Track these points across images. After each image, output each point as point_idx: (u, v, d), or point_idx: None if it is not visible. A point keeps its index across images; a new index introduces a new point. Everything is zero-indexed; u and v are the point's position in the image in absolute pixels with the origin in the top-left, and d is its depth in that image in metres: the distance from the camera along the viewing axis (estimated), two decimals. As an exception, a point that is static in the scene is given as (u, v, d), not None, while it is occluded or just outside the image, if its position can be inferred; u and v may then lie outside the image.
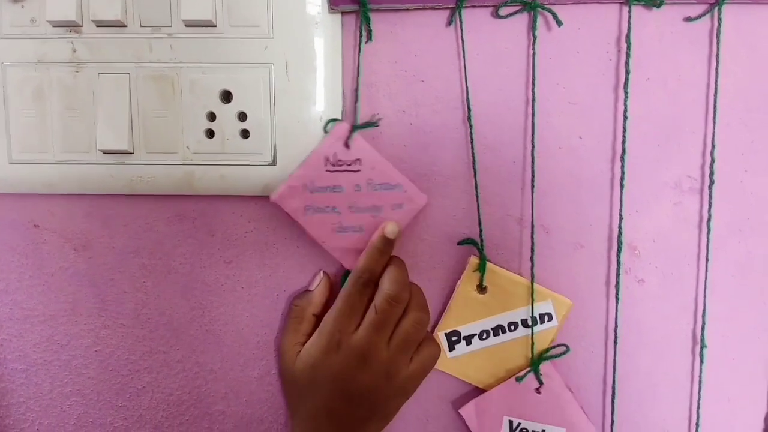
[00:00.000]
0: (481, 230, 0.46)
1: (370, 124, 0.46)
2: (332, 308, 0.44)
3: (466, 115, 0.46)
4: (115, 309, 0.50)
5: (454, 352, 0.47)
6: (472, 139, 0.46)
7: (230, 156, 0.45)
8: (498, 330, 0.47)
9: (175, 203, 0.48)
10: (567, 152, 0.46)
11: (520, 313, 0.47)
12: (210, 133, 0.45)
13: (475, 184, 0.46)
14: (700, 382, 0.47)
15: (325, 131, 0.45)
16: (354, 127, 0.45)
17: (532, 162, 0.46)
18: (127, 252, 0.49)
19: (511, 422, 0.47)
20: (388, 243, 0.44)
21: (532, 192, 0.46)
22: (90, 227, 0.49)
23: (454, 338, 0.47)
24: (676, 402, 0.48)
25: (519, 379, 0.47)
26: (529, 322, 0.46)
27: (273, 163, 0.45)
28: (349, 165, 0.44)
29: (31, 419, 0.51)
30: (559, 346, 0.47)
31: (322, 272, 0.47)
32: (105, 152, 0.46)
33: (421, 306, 0.45)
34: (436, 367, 0.47)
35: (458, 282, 0.47)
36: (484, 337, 0.47)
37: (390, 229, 0.44)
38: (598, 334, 0.48)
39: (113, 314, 0.50)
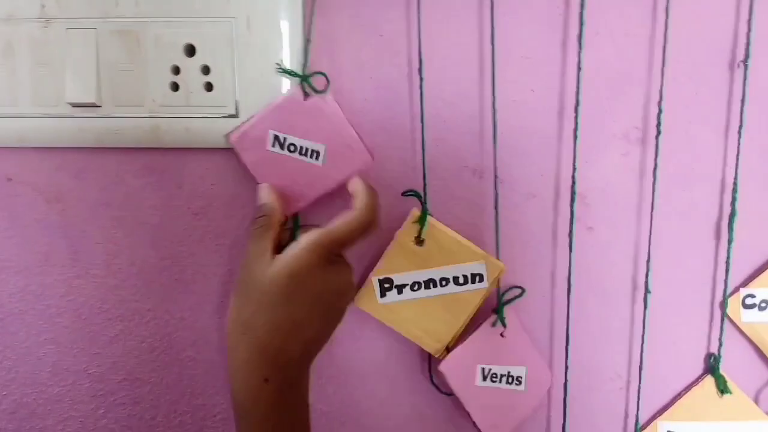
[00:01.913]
0: (425, 183, 0.48)
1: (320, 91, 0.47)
2: (336, 234, 0.43)
3: (418, 68, 0.47)
4: (87, 259, 0.51)
5: (384, 298, 0.49)
6: (421, 92, 0.48)
7: (195, 108, 0.47)
8: (429, 284, 0.48)
9: (144, 156, 0.50)
10: (520, 105, 0.48)
11: (452, 270, 0.48)
12: (175, 87, 0.47)
13: (422, 137, 0.48)
14: (644, 326, 0.50)
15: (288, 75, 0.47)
16: (304, 93, 0.47)
17: (494, 114, 0.48)
18: (98, 204, 0.51)
19: (483, 369, 0.49)
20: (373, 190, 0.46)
21: (494, 144, 0.48)
22: (62, 180, 0.50)
23: (386, 285, 0.49)
24: (623, 345, 0.51)
25: (495, 324, 0.49)
26: (462, 281, 0.48)
27: (236, 115, 0.47)
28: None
29: (8, 367, 0.53)
30: (514, 288, 0.49)
31: (263, 185, 0.47)
32: (74, 105, 0.47)
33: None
34: (367, 310, 0.49)
35: (397, 231, 0.48)
36: (415, 288, 0.49)
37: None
38: (548, 281, 0.50)
39: (85, 264, 0.51)
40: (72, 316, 0.52)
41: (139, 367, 0.52)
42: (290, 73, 0.47)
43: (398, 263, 0.48)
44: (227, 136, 0.47)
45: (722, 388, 0.50)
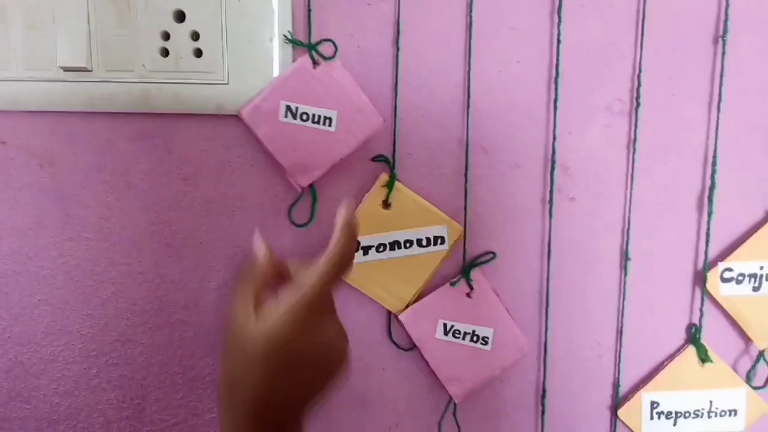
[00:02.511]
0: (395, 149, 0.50)
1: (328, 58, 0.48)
2: (307, 292, 0.39)
3: (396, 37, 0.48)
4: (79, 223, 0.52)
5: None
6: (397, 63, 0.49)
7: (184, 74, 0.48)
8: (394, 245, 0.50)
9: (134, 121, 0.51)
10: (506, 76, 0.49)
11: (416, 233, 0.50)
12: (165, 52, 0.48)
13: (395, 104, 0.49)
14: (624, 294, 0.51)
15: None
16: (312, 61, 0.48)
17: (468, 84, 0.49)
18: (90, 168, 0.52)
19: (445, 324, 0.51)
20: (353, 227, 0.41)
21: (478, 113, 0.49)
22: (54, 144, 0.51)
23: None
24: (604, 313, 0.52)
25: (453, 284, 0.50)
26: (425, 243, 0.50)
27: (225, 81, 0.48)
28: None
29: (2, 327, 0.54)
30: (487, 253, 0.50)
31: (260, 240, 0.43)
32: (65, 69, 0.48)
33: None
34: None
35: (366, 195, 0.50)
36: (380, 249, 0.50)
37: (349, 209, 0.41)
38: (530, 249, 0.51)
39: (78, 228, 0.52)
40: (65, 278, 0.53)
41: (130, 328, 0.54)
42: (297, 43, 0.48)
43: (365, 225, 0.50)
44: (239, 111, 0.48)
45: (703, 357, 0.52)
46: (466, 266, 0.50)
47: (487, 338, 0.51)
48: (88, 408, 0.55)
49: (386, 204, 0.50)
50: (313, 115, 0.48)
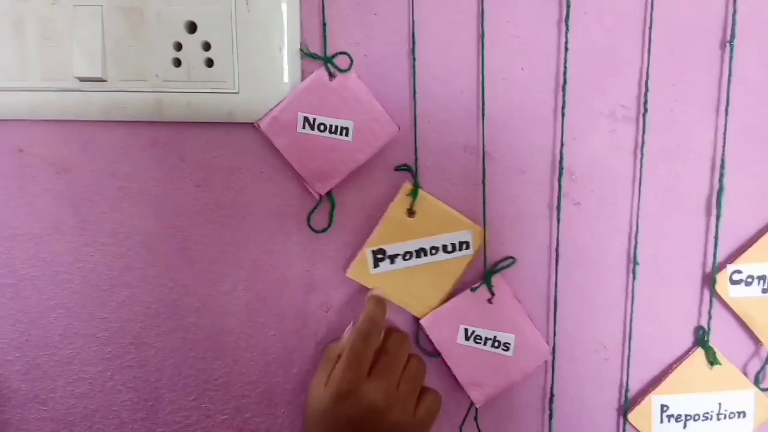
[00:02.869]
0: (416, 158, 0.50)
1: (343, 70, 0.50)
2: (341, 359, 0.46)
3: (411, 48, 0.49)
4: (94, 228, 0.54)
5: (377, 268, 0.51)
6: (414, 71, 0.49)
7: (196, 84, 0.49)
8: (420, 253, 0.51)
9: (148, 129, 0.52)
10: (510, 83, 0.50)
11: (441, 239, 0.51)
12: (177, 62, 0.49)
13: (414, 114, 0.50)
14: (632, 297, 0.51)
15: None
16: (329, 74, 0.49)
17: (482, 92, 0.49)
18: (105, 175, 0.53)
19: (466, 330, 0.51)
20: (379, 300, 0.49)
21: (483, 120, 0.50)
22: (70, 151, 0.53)
23: (379, 256, 0.51)
24: (611, 317, 0.52)
25: (474, 290, 0.51)
26: (450, 249, 0.51)
27: (236, 90, 0.49)
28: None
29: (20, 330, 0.55)
30: (506, 259, 0.51)
31: (352, 323, 0.50)
32: (81, 79, 0.49)
33: (415, 352, 0.49)
34: (359, 281, 0.51)
35: (390, 204, 0.50)
36: (407, 257, 0.51)
37: (376, 291, 0.50)
38: (537, 254, 0.52)
39: (93, 233, 0.54)
40: (81, 282, 0.54)
41: (144, 331, 0.55)
42: (314, 56, 0.49)
43: (391, 234, 0.50)
44: (257, 123, 0.50)
45: (712, 360, 0.52)
46: (486, 272, 0.51)
47: (509, 344, 0.52)
48: (104, 409, 0.56)
49: (410, 212, 0.50)
50: (331, 126, 0.49)
